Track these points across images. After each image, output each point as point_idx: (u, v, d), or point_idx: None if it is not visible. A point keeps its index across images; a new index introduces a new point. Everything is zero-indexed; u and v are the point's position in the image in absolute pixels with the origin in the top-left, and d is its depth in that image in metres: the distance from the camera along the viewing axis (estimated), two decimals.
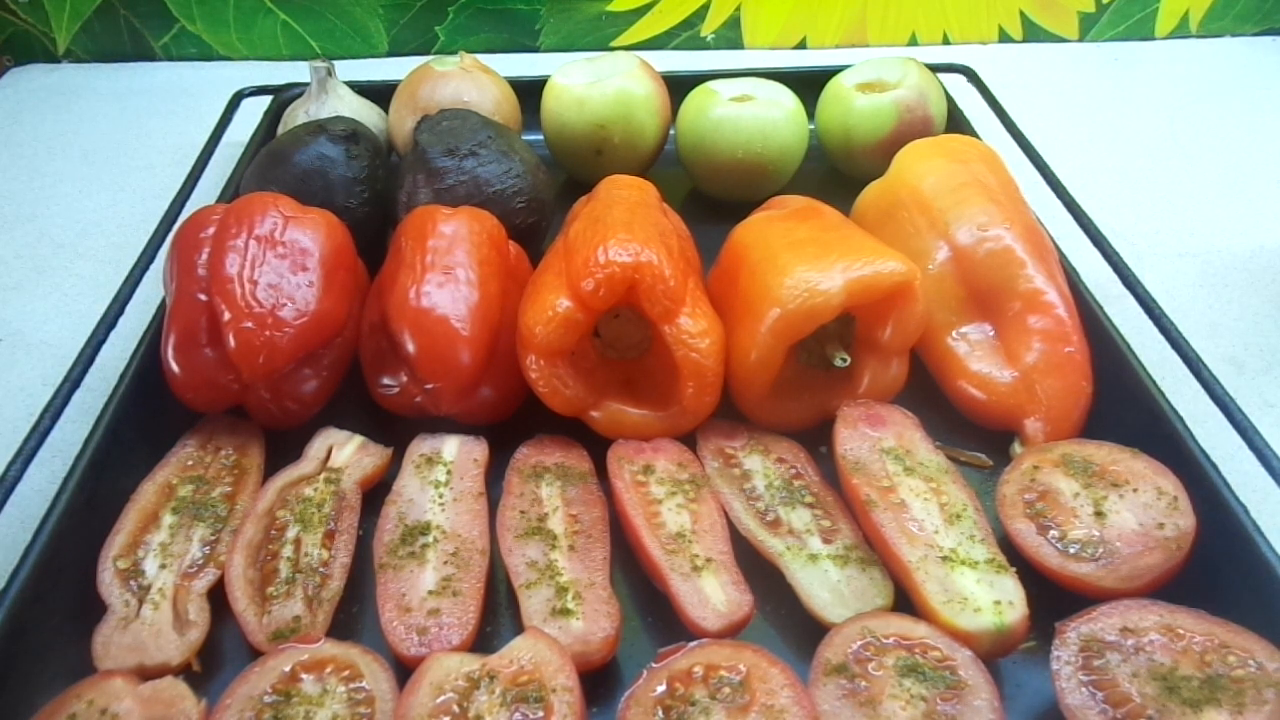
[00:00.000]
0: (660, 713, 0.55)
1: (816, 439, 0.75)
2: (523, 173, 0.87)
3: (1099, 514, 0.65)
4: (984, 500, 0.68)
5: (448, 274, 0.74)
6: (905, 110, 1.00)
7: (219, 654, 0.62)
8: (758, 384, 0.72)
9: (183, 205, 0.92)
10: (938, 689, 0.55)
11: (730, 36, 1.43)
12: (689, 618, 0.60)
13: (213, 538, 0.67)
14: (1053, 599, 0.61)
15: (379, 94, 1.08)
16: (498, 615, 0.65)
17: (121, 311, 0.80)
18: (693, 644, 0.58)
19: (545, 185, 0.90)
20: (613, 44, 1.42)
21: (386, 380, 0.76)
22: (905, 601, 0.62)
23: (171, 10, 1.37)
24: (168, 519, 0.68)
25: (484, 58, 1.07)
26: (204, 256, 0.73)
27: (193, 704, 0.55)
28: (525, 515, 0.68)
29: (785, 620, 0.64)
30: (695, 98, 1.02)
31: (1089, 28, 1.44)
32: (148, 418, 0.74)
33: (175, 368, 0.72)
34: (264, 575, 0.64)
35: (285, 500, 0.69)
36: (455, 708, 0.54)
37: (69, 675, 0.57)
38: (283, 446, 0.74)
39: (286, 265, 0.73)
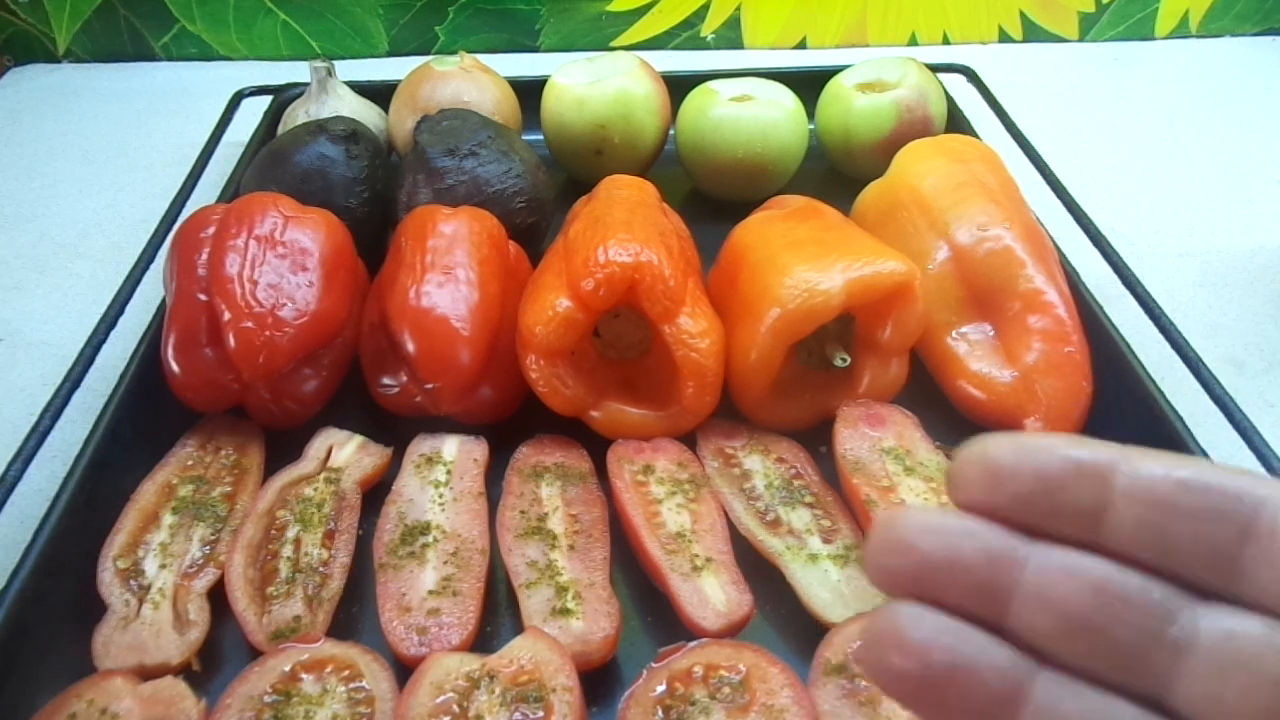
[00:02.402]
0: (660, 712, 0.55)
1: (816, 439, 0.75)
2: (523, 173, 0.87)
3: None
4: None
5: (448, 274, 0.74)
6: (905, 110, 1.00)
7: (219, 654, 0.62)
8: (757, 384, 0.72)
9: (183, 205, 0.92)
10: None
11: (730, 36, 1.43)
12: (689, 617, 0.60)
13: (213, 537, 0.67)
14: None
15: (379, 94, 1.07)
16: (498, 615, 0.65)
17: (121, 311, 0.80)
18: (693, 644, 0.58)
19: (545, 185, 0.90)
20: (613, 44, 1.42)
21: (386, 380, 0.76)
22: None
23: (171, 10, 1.37)
24: (168, 519, 0.68)
25: (484, 58, 1.07)
26: (204, 256, 0.73)
27: (193, 703, 0.55)
28: (525, 515, 0.68)
29: (785, 620, 0.64)
30: (695, 98, 1.02)
31: (1089, 28, 1.44)
32: (148, 418, 0.74)
33: (175, 368, 0.72)
34: (264, 575, 0.64)
35: (285, 500, 0.69)
36: (455, 707, 0.54)
37: (69, 675, 0.57)
38: (283, 446, 0.74)
39: (286, 265, 0.73)
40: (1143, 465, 0.27)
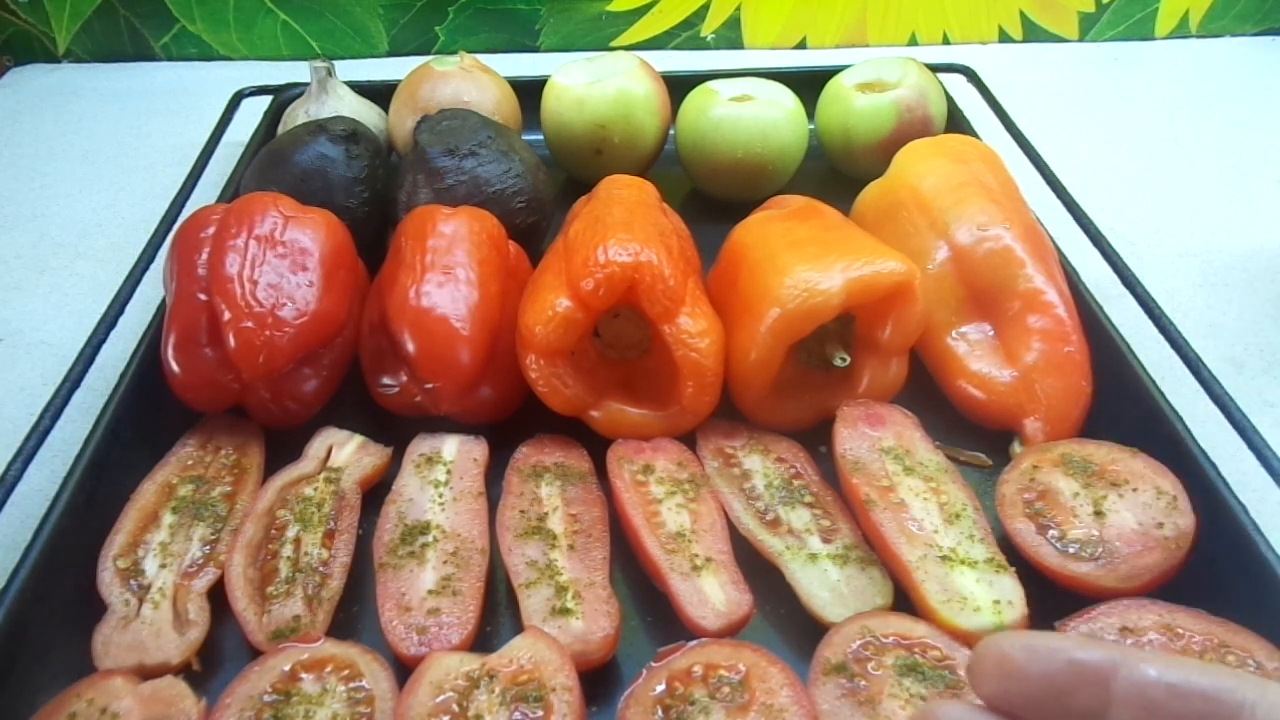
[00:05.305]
0: (660, 712, 0.55)
1: (816, 439, 0.75)
2: (523, 173, 0.87)
3: (1098, 513, 0.65)
4: (983, 500, 0.68)
5: (448, 274, 0.74)
6: (905, 110, 1.00)
7: (219, 653, 0.62)
8: (757, 384, 0.72)
9: (183, 205, 0.92)
10: (937, 688, 0.55)
11: (730, 36, 1.43)
12: (688, 617, 0.60)
13: (213, 537, 0.67)
14: (1052, 599, 0.61)
15: (379, 94, 1.08)
16: (497, 615, 0.65)
17: (121, 311, 0.80)
18: (692, 643, 0.58)
19: (545, 185, 0.90)
20: (613, 44, 1.42)
21: (386, 380, 0.76)
22: (905, 601, 0.62)
23: (171, 10, 1.37)
24: (168, 518, 0.68)
25: (484, 58, 1.07)
26: (204, 256, 0.73)
27: (192, 703, 0.55)
28: (525, 515, 0.68)
29: (785, 620, 0.64)
30: (695, 98, 1.02)
31: (1089, 28, 1.44)
32: (148, 418, 0.74)
33: (175, 368, 0.72)
34: (264, 575, 0.64)
35: (285, 500, 0.69)
36: (455, 707, 0.54)
37: (69, 674, 0.57)
38: (283, 446, 0.74)
39: (286, 265, 0.73)
40: (1138, 669, 0.30)
